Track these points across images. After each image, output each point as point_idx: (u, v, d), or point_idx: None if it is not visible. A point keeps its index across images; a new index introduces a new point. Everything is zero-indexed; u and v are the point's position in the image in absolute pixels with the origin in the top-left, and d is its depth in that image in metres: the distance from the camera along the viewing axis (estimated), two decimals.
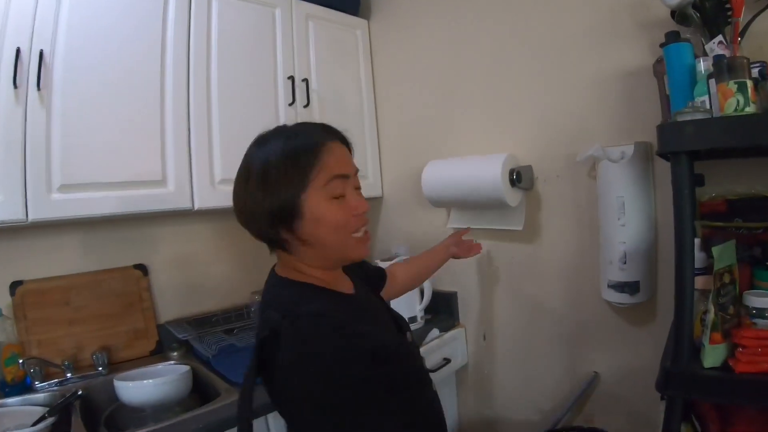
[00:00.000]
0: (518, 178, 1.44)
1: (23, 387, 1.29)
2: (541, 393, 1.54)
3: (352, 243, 0.83)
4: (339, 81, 1.84)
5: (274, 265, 0.91)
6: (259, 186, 0.78)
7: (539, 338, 1.53)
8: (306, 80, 1.69)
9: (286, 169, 0.77)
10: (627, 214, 1.22)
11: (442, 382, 1.62)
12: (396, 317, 0.98)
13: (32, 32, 1.14)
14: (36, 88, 1.14)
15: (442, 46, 1.71)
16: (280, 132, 0.83)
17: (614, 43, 1.29)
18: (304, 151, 0.78)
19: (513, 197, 1.45)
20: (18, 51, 1.11)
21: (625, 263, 1.23)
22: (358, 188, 0.85)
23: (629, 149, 1.22)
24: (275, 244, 0.84)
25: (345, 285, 0.92)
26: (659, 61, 1.12)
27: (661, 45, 1.05)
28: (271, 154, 0.78)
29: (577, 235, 1.42)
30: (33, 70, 1.13)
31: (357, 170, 0.86)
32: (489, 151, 1.57)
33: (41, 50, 1.14)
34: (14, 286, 1.35)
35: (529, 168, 1.48)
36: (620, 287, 1.25)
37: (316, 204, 0.78)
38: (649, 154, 1.25)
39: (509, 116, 1.55)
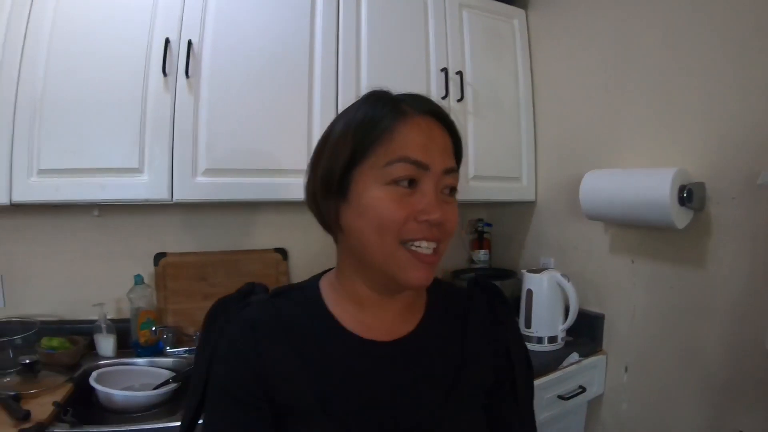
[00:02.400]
0: (689, 196, 1.21)
1: (155, 350, 1.40)
2: None
3: (402, 258, 0.57)
4: (494, 75, 1.71)
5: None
6: (313, 155, 0.63)
7: (685, 381, 1.30)
8: (460, 73, 1.60)
9: (344, 138, 0.59)
10: None
11: (571, 411, 1.49)
12: None
13: (181, 23, 1.20)
14: (185, 76, 1.20)
15: (607, 38, 1.51)
16: (368, 96, 0.64)
17: None
18: (371, 118, 0.59)
19: (681, 218, 1.23)
20: (167, 41, 1.17)
21: None
22: (446, 190, 0.60)
23: None
24: (329, 230, 0.65)
25: (395, 325, 0.64)
26: None
27: None
28: (338, 120, 0.63)
29: (749, 272, 1.16)
30: (182, 59, 1.19)
31: (452, 168, 0.60)
32: (655, 162, 1.36)
33: (189, 40, 1.20)
34: (158, 257, 1.48)
35: (702, 185, 1.24)
36: None
37: (365, 186, 0.57)
38: None
39: (681, 123, 1.31)
